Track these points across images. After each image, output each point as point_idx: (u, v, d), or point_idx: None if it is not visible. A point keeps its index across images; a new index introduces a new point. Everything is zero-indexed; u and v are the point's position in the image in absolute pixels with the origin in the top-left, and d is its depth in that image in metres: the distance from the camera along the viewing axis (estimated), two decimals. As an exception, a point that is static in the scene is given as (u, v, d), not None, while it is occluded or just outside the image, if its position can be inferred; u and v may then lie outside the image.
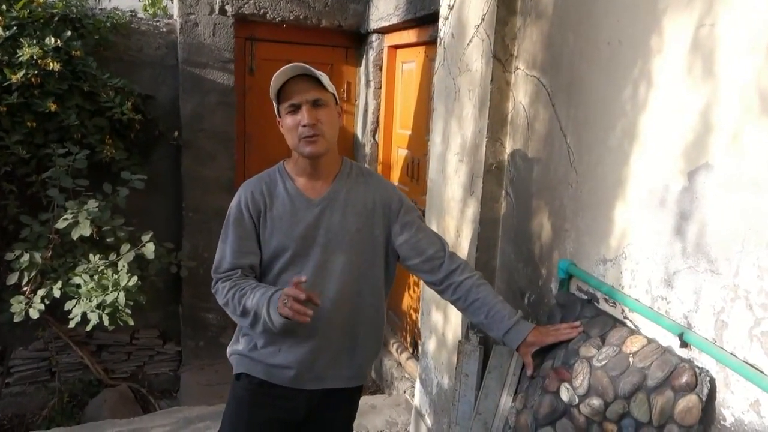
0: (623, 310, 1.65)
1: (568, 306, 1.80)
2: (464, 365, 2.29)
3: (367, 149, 4.13)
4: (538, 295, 2.10)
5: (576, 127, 1.86)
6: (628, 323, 1.63)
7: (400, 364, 3.70)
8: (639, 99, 1.59)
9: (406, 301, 3.83)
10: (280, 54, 4.10)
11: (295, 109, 1.67)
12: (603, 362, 1.52)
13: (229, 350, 1.86)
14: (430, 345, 2.85)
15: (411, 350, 3.74)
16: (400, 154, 3.89)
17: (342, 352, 1.80)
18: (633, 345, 1.50)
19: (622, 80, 1.65)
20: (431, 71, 3.40)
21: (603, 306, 1.73)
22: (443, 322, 2.68)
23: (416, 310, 3.67)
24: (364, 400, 3.13)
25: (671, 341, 1.46)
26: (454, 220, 2.57)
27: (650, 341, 1.49)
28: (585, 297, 1.81)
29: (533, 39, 2.13)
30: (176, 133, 3.72)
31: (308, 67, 1.66)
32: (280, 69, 1.65)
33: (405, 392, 3.44)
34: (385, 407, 3.26)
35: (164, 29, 3.79)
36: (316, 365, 1.78)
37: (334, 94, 1.73)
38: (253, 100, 4.09)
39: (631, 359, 1.47)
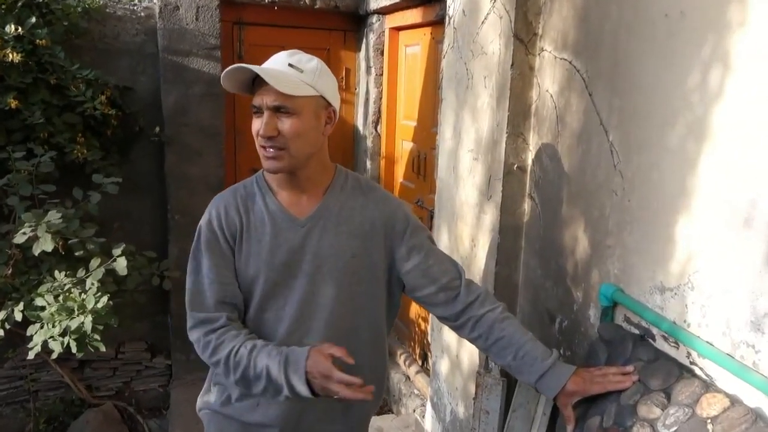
0: (689, 354, 1.31)
1: (616, 342, 1.46)
2: (484, 400, 1.96)
3: (369, 142, 3.78)
4: (572, 321, 1.76)
5: (621, 121, 1.51)
6: (697, 371, 1.29)
7: (408, 377, 3.38)
8: (711, 87, 1.23)
9: (414, 308, 3.51)
10: (272, 39, 3.75)
11: (258, 111, 1.34)
12: (672, 429, 1.18)
13: (199, 402, 1.54)
14: (443, 366, 2.53)
15: (420, 362, 3.42)
16: (404, 147, 3.54)
17: (335, 403, 1.47)
18: (711, 407, 1.16)
19: (686, 63, 1.30)
20: (438, 55, 3.04)
21: (660, 345, 1.40)
22: (457, 344, 2.35)
23: (425, 319, 3.34)
24: (370, 422, 2.83)
25: (761, 402, 1.13)
26: (469, 226, 2.23)
27: (734, 402, 1.15)
28: (636, 332, 1.47)
29: (563, 14, 1.77)
30: (158, 129, 3.38)
31: (262, 69, 1.30)
32: (228, 67, 1.31)
33: (414, 411, 3.13)
34: (393, 430, 2.95)
35: (142, 14, 3.44)
36: (303, 421, 1.45)
37: (322, 96, 1.36)
38: (243, 90, 3.73)
39: (710, 427, 1.13)
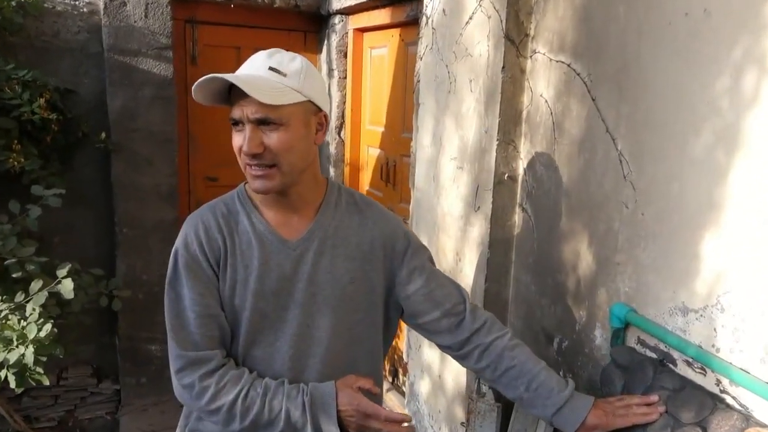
0: (720, 382, 1.21)
1: (634, 369, 1.35)
2: (477, 427, 1.83)
3: (332, 148, 3.61)
4: (574, 342, 1.65)
5: (632, 128, 1.41)
6: (729, 400, 1.19)
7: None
8: (744, 92, 1.14)
9: (383, 322, 3.35)
10: (227, 39, 3.53)
11: (238, 124, 1.16)
12: (716, 470, 1.07)
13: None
14: (422, 387, 2.38)
15: (391, 379, 3.26)
16: (370, 153, 3.38)
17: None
18: (757, 444, 1.05)
19: (712, 66, 1.20)
20: (407, 58, 2.91)
21: (683, 371, 1.29)
22: (440, 363, 2.21)
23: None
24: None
25: (811, 437, 1.03)
26: (453, 239, 2.10)
27: (781, 438, 1.05)
28: (653, 356, 1.36)
29: (559, 14, 1.66)
30: (103, 135, 3.10)
31: (240, 77, 1.12)
32: (199, 79, 1.13)
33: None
34: (365, 454, 2.77)
35: (84, 9, 3.15)
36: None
37: (310, 101, 1.19)
38: (196, 93, 3.49)
39: (759, 468, 1.03)
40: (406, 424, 1.18)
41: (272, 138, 1.14)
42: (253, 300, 1.21)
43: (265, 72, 1.16)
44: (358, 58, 3.42)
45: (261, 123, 1.14)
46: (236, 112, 1.15)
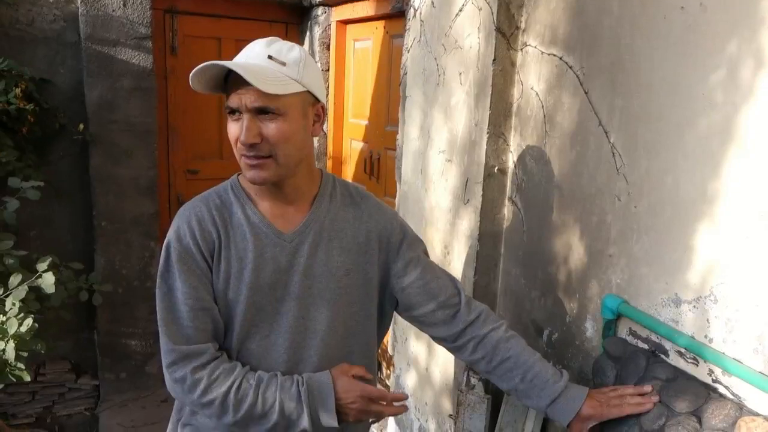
0: (712, 372, 1.23)
1: (626, 360, 1.36)
2: (467, 420, 1.83)
3: (315, 141, 3.58)
4: (564, 333, 1.66)
5: (625, 122, 1.42)
6: (722, 389, 1.20)
7: (362, 389, 3.21)
8: (739, 85, 1.15)
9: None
10: (208, 30, 3.47)
11: (235, 113, 1.14)
12: (712, 458, 1.08)
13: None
14: (409, 380, 2.38)
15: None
16: (354, 147, 3.37)
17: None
18: (752, 432, 1.07)
19: (707, 59, 1.21)
20: (391, 50, 2.90)
21: (675, 361, 1.31)
22: (427, 356, 2.21)
23: (379, 327, 3.18)
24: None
25: (803, 425, 1.05)
26: (441, 232, 2.10)
27: (775, 426, 1.07)
28: (645, 346, 1.38)
29: (551, 7, 1.66)
30: (81, 126, 3.04)
31: (240, 65, 1.09)
32: (199, 65, 1.10)
33: (371, 421, 2.96)
34: (350, 447, 2.77)
35: (61, -3, 3.08)
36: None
37: (308, 91, 1.17)
38: (176, 84, 3.44)
39: (755, 455, 1.05)
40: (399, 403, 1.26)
41: (270, 128, 1.13)
42: (248, 293, 1.19)
43: (265, 61, 1.14)
44: (341, 50, 3.39)
45: (259, 112, 1.12)
46: (234, 101, 1.13)
